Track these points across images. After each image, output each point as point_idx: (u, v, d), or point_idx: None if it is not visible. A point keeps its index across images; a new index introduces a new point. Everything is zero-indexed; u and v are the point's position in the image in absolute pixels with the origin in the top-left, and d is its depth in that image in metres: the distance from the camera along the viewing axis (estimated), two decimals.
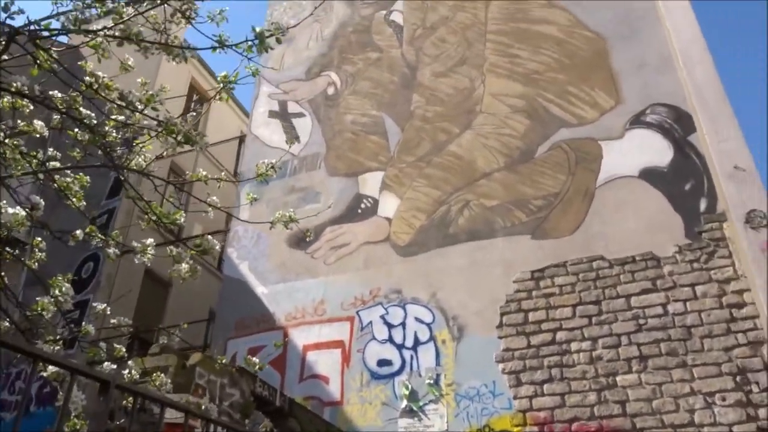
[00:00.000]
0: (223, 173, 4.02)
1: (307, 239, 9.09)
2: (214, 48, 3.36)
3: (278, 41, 3.45)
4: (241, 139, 12.47)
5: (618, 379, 6.81)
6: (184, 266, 3.64)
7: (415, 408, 7.52)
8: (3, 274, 3.67)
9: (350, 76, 11.19)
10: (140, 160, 3.77)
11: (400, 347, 8.05)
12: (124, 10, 3.29)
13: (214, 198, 3.87)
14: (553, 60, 9.59)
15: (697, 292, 6.99)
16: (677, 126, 8.22)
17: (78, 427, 3.02)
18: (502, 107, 9.47)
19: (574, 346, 7.19)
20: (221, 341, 9.09)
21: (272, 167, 3.80)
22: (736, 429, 6.12)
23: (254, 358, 4.40)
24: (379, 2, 11.96)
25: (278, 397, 5.94)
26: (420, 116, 10.02)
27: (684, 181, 7.79)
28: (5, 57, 3.18)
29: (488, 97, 9.68)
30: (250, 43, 3.36)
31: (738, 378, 6.36)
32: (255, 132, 11.38)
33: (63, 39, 3.66)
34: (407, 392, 7.63)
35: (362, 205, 9.54)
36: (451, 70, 10.31)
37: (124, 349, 3.86)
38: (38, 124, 3.47)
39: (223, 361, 4.81)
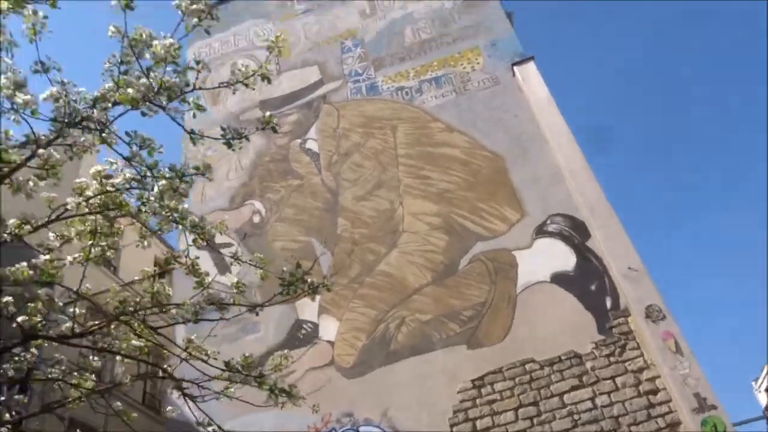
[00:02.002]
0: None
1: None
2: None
3: (208, 179, 3.92)
4: (166, 272, 12.44)
5: None
6: None
7: None
8: None
9: (274, 204, 11.76)
10: None
11: None
12: None
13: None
14: (461, 179, 10.76)
15: (617, 383, 7.96)
16: (575, 233, 9.49)
17: None
18: (421, 225, 10.40)
19: None
20: None
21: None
22: None
23: None
24: (293, 132, 12.81)
25: None
26: (347, 239, 10.70)
27: (589, 283, 8.95)
28: None
29: (408, 217, 10.60)
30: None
31: None
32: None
33: None
34: None
35: (303, 331, 9.88)
36: (371, 193, 11.20)
37: None
38: None
39: None
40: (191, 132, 3.63)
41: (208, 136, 3.86)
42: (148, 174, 3.47)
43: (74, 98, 3.18)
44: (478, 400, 8.38)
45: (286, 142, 12.72)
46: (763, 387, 39.73)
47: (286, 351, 9.40)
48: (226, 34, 15.35)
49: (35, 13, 3.05)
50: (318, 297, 10.17)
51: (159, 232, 4.06)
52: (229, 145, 3.71)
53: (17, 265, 3.13)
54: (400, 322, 9.44)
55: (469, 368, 8.68)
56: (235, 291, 4.71)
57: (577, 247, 9.34)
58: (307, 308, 10.11)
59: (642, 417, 7.61)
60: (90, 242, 3.26)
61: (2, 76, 3.01)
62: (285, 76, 13.90)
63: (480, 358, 8.74)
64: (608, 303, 8.67)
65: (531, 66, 11.55)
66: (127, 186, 3.49)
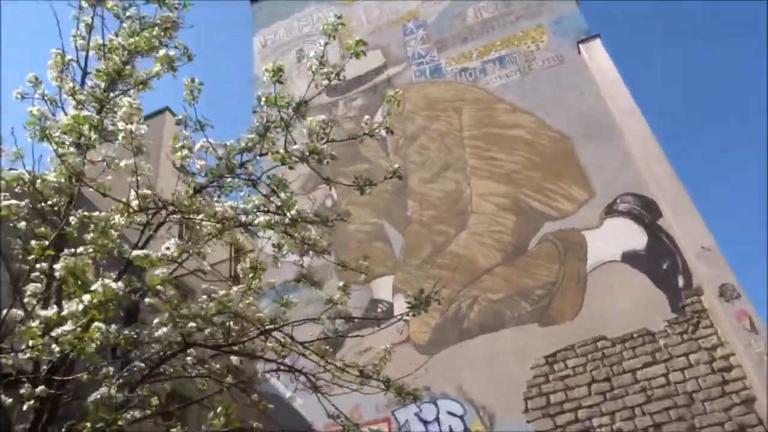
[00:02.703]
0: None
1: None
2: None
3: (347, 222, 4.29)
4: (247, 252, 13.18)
5: None
6: None
7: None
8: None
9: (345, 188, 12.23)
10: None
11: None
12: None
13: None
14: (527, 159, 10.94)
15: (691, 360, 8.13)
16: (645, 212, 9.56)
17: None
18: (489, 206, 10.68)
19: (595, 421, 8.14)
20: None
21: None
22: None
23: None
24: (360, 116, 13.18)
25: None
26: (417, 221, 11.10)
27: (661, 262, 9.06)
28: None
29: (476, 198, 10.88)
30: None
31: None
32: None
33: None
34: None
35: (378, 310, 10.40)
36: (438, 175, 11.52)
37: None
38: None
39: None
40: (327, 179, 4.05)
41: (339, 182, 4.27)
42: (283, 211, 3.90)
43: (222, 151, 3.64)
44: (551, 376, 8.71)
45: (353, 127, 13.12)
46: None
47: (369, 340, 9.95)
48: (290, 21, 15.79)
49: (192, 80, 3.52)
50: (392, 277, 10.73)
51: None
52: (361, 191, 4.14)
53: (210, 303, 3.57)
54: (472, 302, 9.82)
55: (540, 345, 9.00)
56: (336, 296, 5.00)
57: (648, 227, 9.43)
58: (382, 288, 10.61)
59: (716, 393, 7.78)
60: (251, 275, 3.73)
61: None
62: (348, 61, 14.21)
63: (551, 335, 9.04)
64: (680, 282, 8.78)
65: (597, 44, 11.49)
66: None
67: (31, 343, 2.42)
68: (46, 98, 3.55)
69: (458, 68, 12.84)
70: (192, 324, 3.35)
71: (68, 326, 2.40)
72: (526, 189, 10.60)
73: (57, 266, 2.49)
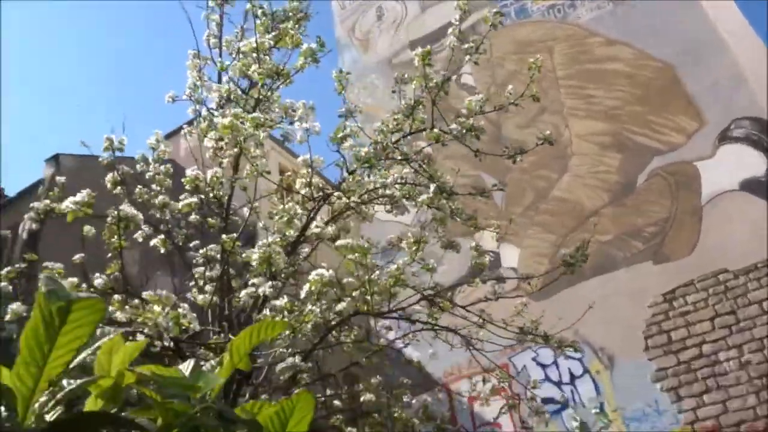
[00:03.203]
0: None
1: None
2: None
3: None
4: None
5: None
6: None
7: None
8: None
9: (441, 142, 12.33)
10: None
11: (558, 384, 9.01)
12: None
13: None
14: (628, 94, 10.51)
15: None
16: (764, 136, 9.00)
17: None
18: (590, 147, 10.43)
19: (722, 356, 8.01)
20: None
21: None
22: None
23: None
24: (447, 70, 13.11)
25: None
26: (517, 168, 11.03)
27: None
28: None
29: (576, 139, 10.65)
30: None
31: None
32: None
33: None
34: (577, 424, 8.55)
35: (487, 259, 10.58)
36: (533, 119, 11.33)
37: None
38: None
39: None
40: (476, 151, 4.18)
41: (493, 153, 4.38)
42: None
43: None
44: (670, 313, 8.60)
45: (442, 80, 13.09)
46: None
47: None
48: None
49: (341, 71, 3.79)
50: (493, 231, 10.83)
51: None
52: (513, 161, 4.23)
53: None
54: (581, 245, 9.75)
55: (656, 283, 8.86)
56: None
57: None
58: (486, 239, 10.74)
59: None
60: (414, 248, 3.94)
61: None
62: (428, 13, 14.10)
63: (667, 273, 8.87)
64: None
65: None
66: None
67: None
68: (194, 98, 3.92)
69: (545, 6, 12.38)
70: (368, 296, 3.62)
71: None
72: (629, 124, 10.24)
73: (254, 256, 2.87)
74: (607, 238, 9.58)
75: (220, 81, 4.13)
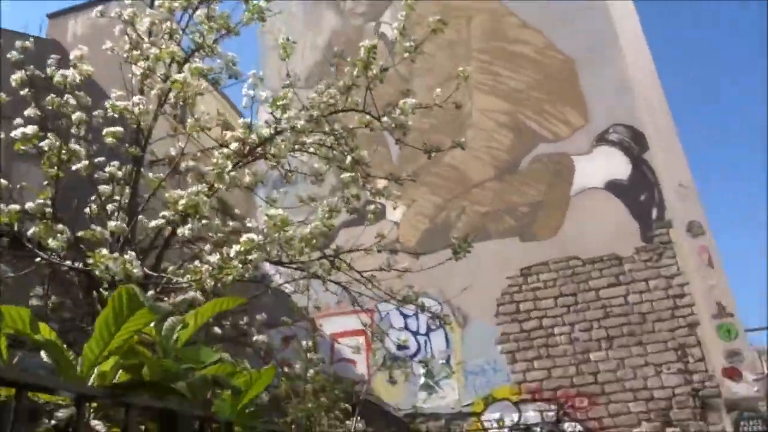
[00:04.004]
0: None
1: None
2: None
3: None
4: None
5: (591, 355, 8.87)
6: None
7: (431, 383, 9.41)
8: None
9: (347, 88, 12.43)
10: None
11: (415, 333, 9.87)
12: None
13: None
14: (531, 79, 11.18)
15: (650, 285, 9.03)
16: (634, 144, 10.05)
17: None
18: (489, 123, 11.07)
19: (557, 330, 9.18)
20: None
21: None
22: (677, 390, 8.30)
23: None
24: (368, 13, 13.08)
25: None
26: (416, 128, 11.46)
27: (640, 193, 9.70)
28: None
29: (477, 113, 11.23)
30: None
31: (679, 352, 8.50)
32: None
33: None
34: (424, 370, 9.49)
35: (371, 208, 11.06)
36: (442, 84, 11.70)
37: None
38: None
39: None
40: (398, 140, 4.39)
41: (410, 145, 4.61)
42: None
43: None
44: (523, 287, 9.64)
45: (361, 24, 13.07)
46: None
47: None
48: None
49: (287, 39, 3.83)
50: (386, 182, 11.29)
51: None
52: (429, 156, 4.57)
53: None
54: (461, 212, 10.52)
55: (519, 259, 9.84)
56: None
57: (634, 158, 9.96)
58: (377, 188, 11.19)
59: (666, 316, 8.76)
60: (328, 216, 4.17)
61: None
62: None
63: (530, 250, 9.86)
64: (654, 213, 9.48)
65: None
66: None
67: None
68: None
69: None
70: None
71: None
72: (526, 109, 10.95)
73: (181, 201, 2.98)
74: (485, 210, 10.39)
75: (152, 6, 4.02)
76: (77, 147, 3.15)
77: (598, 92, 10.63)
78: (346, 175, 4.39)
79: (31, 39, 4.12)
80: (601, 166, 10.07)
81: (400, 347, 9.77)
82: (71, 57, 3.77)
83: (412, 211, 10.79)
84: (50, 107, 3.81)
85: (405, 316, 10.03)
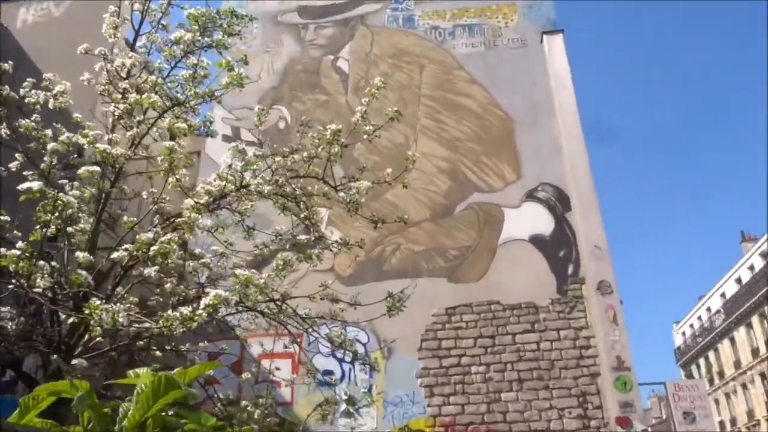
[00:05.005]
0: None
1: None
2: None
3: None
4: (197, 153, 13.58)
5: (502, 395, 9.55)
6: None
7: (352, 410, 9.76)
8: None
9: (300, 114, 12.81)
10: None
11: (341, 361, 10.21)
12: None
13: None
14: (472, 131, 12.00)
15: (560, 335, 9.87)
16: (559, 204, 11.01)
17: None
18: (430, 166, 11.75)
19: (473, 369, 9.81)
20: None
21: None
22: None
23: None
24: (327, 47, 13.58)
25: None
26: (360, 164, 11.99)
27: (559, 249, 10.62)
28: None
29: (420, 156, 11.87)
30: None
31: (580, 399, 9.33)
32: (209, 153, 12.68)
33: None
34: (346, 398, 9.83)
35: (306, 224, 11.40)
36: (389, 125, 12.33)
37: None
38: None
39: None
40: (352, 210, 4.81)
41: (361, 215, 5.03)
42: None
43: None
44: (447, 325, 10.24)
45: (319, 56, 13.54)
46: (680, 330, 44.56)
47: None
48: None
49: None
50: (328, 211, 11.70)
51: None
52: (375, 226, 5.01)
53: None
54: (395, 248, 11.06)
55: (445, 298, 10.46)
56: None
57: (558, 217, 10.91)
58: (316, 209, 11.55)
59: (572, 364, 9.60)
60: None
61: None
62: None
63: (456, 291, 10.51)
64: (570, 269, 10.40)
65: (559, 39, 12.44)
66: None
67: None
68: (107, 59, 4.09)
69: (430, 25, 13.41)
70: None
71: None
72: (465, 158, 11.73)
73: (153, 247, 3.32)
74: (419, 249, 10.99)
75: (133, 47, 4.33)
76: (70, 198, 3.43)
77: (532, 152, 11.58)
78: (301, 237, 4.85)
79: None
80: (528, 220, 10.94)
81: (325, 372, 10.09)
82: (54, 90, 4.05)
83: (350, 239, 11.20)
84: (21, 130, 4.05)
85: (330, 337, 10.35)
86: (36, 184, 3.29)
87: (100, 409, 1.78)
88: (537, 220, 10.94)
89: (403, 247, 11.06)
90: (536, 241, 10.75)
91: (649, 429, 34.41)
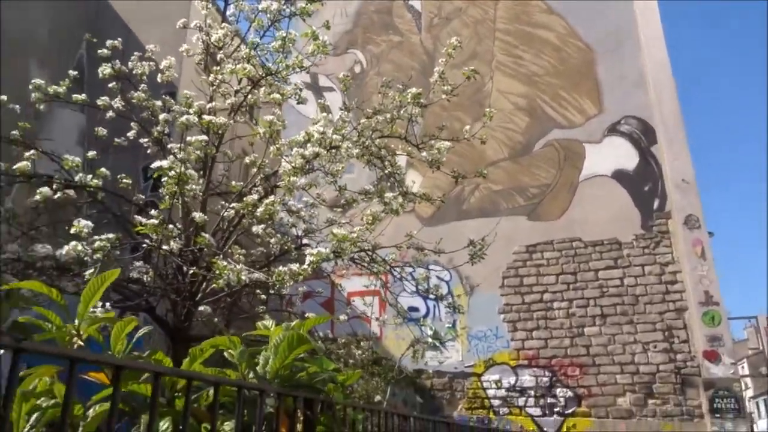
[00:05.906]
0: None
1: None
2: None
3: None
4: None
5: (585, 330, 9.72)
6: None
7: (437, 344, 10.26)
8: None
9: (374, 57, 12.87)
10: None
11: (425, 298, 10.66)
12: None
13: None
14: (550, 65, 11.68)
15: (645, 271, 9.82)
16: (644, 137, 10.68)
17: None
18: (507, 104, 11.61)
19: (555, 304, 9.99)
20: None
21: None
22: (661, 367, 9.19)
23: None
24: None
25: None
26: (438, 104, 11.99)
27: (644, 184, 10.38)
28: None
29: (496, 93, 11.75)
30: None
31: (666, 333, 9.36)
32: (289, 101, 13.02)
33: None
34: (431, 332, 10.32)
35: (392, 179, 11.69)
36: (464, 62, 12.19)
37: None
38: None
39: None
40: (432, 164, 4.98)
41: (445, 171, 5.20)
42: None
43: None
44: (528, 262, 10.40)
45: None
46: None
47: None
48: None
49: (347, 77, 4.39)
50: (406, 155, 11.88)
51: None
52: (456, 182, 5.17)
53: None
54: (474, 188, 11.18)
55: (525, 236, 10.57)
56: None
57: (642, 151, 10.61)
58: (398, 160, 11.79)
59: (657, 299, 9.58)
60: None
61: None
62: None
63: (536, 229, 10.59)
64: (655, 204, 10.19)
65: None
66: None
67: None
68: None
69: None
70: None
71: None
72: (543, 94, 11.49)
73: (259, 209, 3.74)
74: (498, 188, 11.05)
75: (224, 18, 4.60)
76: (192, 172, 3.79)
77: (614, 84, 11.17)
78: (389, 195, 5.07)
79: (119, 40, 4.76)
80: (610, 155, 10.71)
81: (411, 308, 10.60)
82: (161, 65, 4.42)
83: (429, 184, 11.41)
84: (134, 101, 4.49)
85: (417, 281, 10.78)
86: (165, 162, 3.68)
87: (252, 360, 2.13)
88: (620, 154, 10.68)
89: (482, 186, 11.15)
90: (619, 176, 10.54)
91: (745, 360, 33.71)
